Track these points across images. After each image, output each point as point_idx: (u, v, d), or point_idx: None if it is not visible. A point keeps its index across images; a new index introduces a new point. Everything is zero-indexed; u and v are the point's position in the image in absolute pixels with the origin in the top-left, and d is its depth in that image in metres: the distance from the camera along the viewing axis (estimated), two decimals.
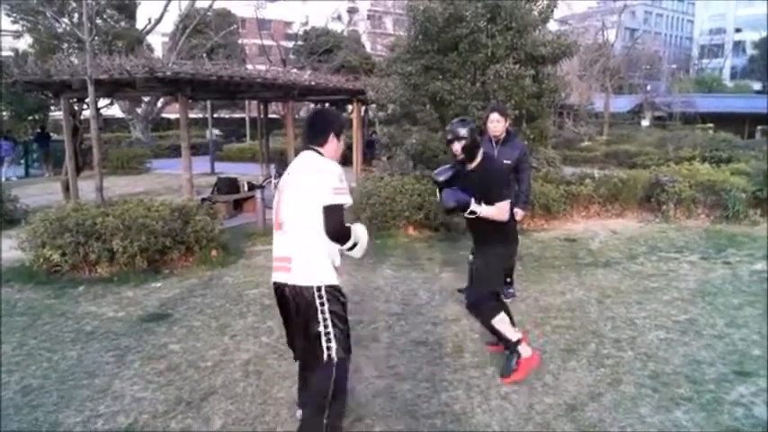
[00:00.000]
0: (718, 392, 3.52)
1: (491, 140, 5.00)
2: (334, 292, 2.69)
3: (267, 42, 26.64)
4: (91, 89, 7.45)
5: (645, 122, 31.45)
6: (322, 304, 2.64)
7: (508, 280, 5.34)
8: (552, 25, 11.13)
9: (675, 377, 3.72)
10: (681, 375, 3.74)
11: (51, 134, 20.22)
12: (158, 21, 18.50)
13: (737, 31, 61.40)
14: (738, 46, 58.28)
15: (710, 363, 3.94)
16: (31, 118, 20.04)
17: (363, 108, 16.66)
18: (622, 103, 31.76)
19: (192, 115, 23.50)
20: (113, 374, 3.85)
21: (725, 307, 5.10)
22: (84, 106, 10.86)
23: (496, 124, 4.92)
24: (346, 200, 2.65)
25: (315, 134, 2.83)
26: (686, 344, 4.28)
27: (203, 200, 8.99)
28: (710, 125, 25.02)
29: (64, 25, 13.95)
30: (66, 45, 15.56)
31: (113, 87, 9.40)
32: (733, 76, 54.63)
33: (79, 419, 3.30)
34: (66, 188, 10.29)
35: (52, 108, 19.75)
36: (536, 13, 8.38)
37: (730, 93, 40.19)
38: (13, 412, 3.37)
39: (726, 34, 61.64)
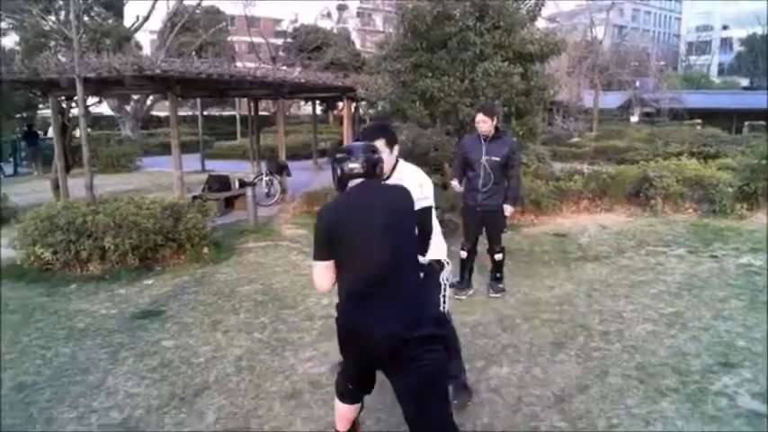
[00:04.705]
0: (703, 383, 3.59)
1: (480, 137, 5.09)
2: None
3: (256, 40, 26.53)
4: (79, 87, 7.40)
5: (634, 119, 31.65)
6: None
7: (498, 275, 5.41)
8: (541, 23, 11.22)
9: (662, 369, 3.79)
10: (667, 367, 3.81)
11: (39, 132, 20.06)
12: (146, 18, 18.33)
13: (724, 28, 62.07)
14: (725, 43, 58.86)
15: (696, 354, 4.01)
16: (18, 116, 19.87)
17: (354, 105, 16.67)
18: (611, 100, 31.89)
19: (181, 113, 23.37)
20: (107, 371, 3.87)
21: (711, 300, 5.18)
22: (73, 104, 10.80)
23: (482, 124, 5.04)
24: None
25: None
26: (673, 336, 4.35)
27: (194, 197, 8.99)
28: (698, 121, 25.24)
29: (51, 23, 13.82)
30: (53, 43, 15.42)
31: (102, 85, 9.35)
32: (720, 73, 55.21)
33: (73, 415, 3.32)
34: (56, 186, 10.23)
35: (40, 106, 19.58)
36: (524, 11, 8.42)
37: (718, 89, 40.59)
38: (7, 409, 3.39)
39: (713, 31, 62.24)
